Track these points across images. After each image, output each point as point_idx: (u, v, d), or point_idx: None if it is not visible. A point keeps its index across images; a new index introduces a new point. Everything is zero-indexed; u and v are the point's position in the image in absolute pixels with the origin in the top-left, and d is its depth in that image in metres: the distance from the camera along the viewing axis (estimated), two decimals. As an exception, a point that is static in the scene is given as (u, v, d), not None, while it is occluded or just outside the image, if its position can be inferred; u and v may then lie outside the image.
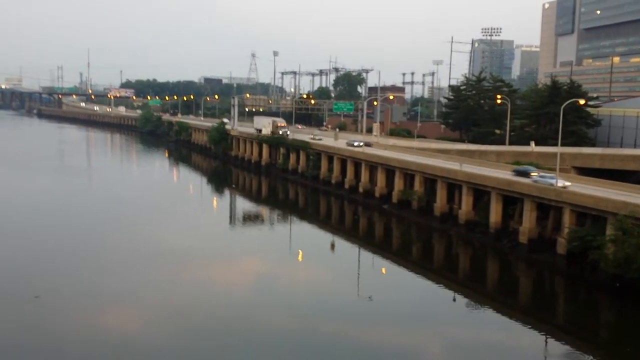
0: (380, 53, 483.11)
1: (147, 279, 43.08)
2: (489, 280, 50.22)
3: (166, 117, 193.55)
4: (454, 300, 43.70)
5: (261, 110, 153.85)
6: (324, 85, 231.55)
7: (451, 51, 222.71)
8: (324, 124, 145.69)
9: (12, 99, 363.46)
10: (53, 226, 59.24)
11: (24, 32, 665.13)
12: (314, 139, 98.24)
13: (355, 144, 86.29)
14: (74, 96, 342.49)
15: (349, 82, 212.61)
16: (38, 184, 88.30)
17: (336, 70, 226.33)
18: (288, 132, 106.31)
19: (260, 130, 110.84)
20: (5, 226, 58.04)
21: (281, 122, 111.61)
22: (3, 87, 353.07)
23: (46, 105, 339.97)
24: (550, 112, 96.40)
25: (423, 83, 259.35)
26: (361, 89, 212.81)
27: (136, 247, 52.22)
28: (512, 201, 55.56)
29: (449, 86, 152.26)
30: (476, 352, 33.62)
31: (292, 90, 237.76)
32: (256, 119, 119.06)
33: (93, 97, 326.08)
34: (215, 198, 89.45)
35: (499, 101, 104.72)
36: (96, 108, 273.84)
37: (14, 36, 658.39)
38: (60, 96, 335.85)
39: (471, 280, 49.57)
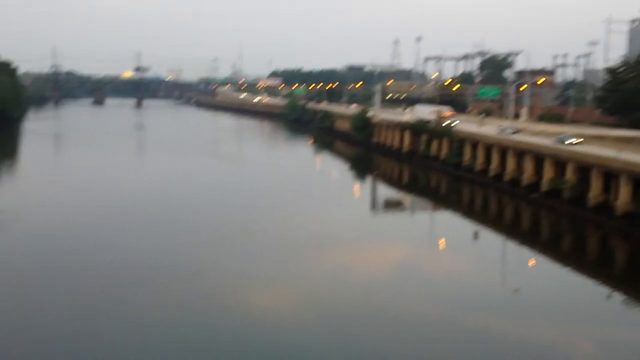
0: (529, 35, 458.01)
1: (288, 262, 44.66)
2: (649, 278, 46.46)
3: (310, 105, 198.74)
4: (610, 297, 40.99)
5: (402, 97, 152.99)
6: (468, 70, 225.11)
7: (607, 31, 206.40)
8: (468, 110, 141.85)
9: (173, 90, 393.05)
10: (204, 209, 63.18)
11: (183, 26, 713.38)
12: (507, 133, 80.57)
13: (568, 140, 70.04)
14: (227, 86, 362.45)
15: (495, 66, 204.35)
16: (193, 168, 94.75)
17: (481, 54, 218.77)
18: (455, 123, 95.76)
19: (421, 120, 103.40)
20: (161, 208, 63.15)
21: (447, 111, 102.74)
22: (166, 79, 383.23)
23: (203, 95, 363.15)
24: None
25: (576, 66, 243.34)
26: (508, 73, 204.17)
27: (279, 231, 54.39)
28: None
29: (605, 69, 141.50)
30: (635, 355, 31.36)
31: (436, 76, 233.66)
32: (417, 107, 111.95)
33: (244, 86, 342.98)
34: (356, 184, 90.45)
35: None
36: (254, 98, 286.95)
37: (175, 30, 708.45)
38: (215, 86, 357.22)
39: (630, 277, 46.11)
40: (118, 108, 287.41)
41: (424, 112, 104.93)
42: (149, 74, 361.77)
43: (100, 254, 44.45)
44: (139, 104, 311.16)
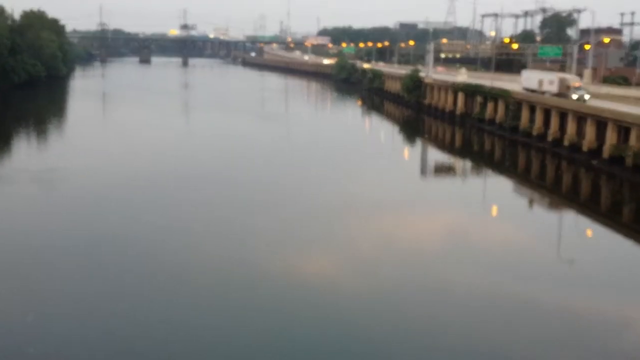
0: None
1: (335, 227, 42.69)
2: None
3: (360, 64, 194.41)
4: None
5: (458, 56, 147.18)
6: (528, 28, 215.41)
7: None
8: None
9: (219, 48, 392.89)
10: (251, 170, 61.58)
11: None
12: None
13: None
14: (274, 45, 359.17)
15: (557, 25, 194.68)
16: (239, 128, 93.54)
17: (543, 11, 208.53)
18: (587, 97, 73.82)
19: (533, 90, 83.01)
20: (211, 169, 62.05)
21: (575, 80, 78.72)
22: (213, 37, 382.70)
23: (249, 53, 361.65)
24: None
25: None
26: (571, 32, 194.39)
27: (324, 194, 52.39)
28: None
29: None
30: None
31: (493, 34, 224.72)
32: (525, 73, 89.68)
33: (292, 45, 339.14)
34: (406, 148, 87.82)
35: None
36: (302, 57, 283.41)
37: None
38: (262, 45, 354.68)
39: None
40: (164, 67, 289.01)
41: (537, 79, 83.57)
42: (195, 33, 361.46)
43: (160, 211, 43.64)
44: (185, 63, 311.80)
